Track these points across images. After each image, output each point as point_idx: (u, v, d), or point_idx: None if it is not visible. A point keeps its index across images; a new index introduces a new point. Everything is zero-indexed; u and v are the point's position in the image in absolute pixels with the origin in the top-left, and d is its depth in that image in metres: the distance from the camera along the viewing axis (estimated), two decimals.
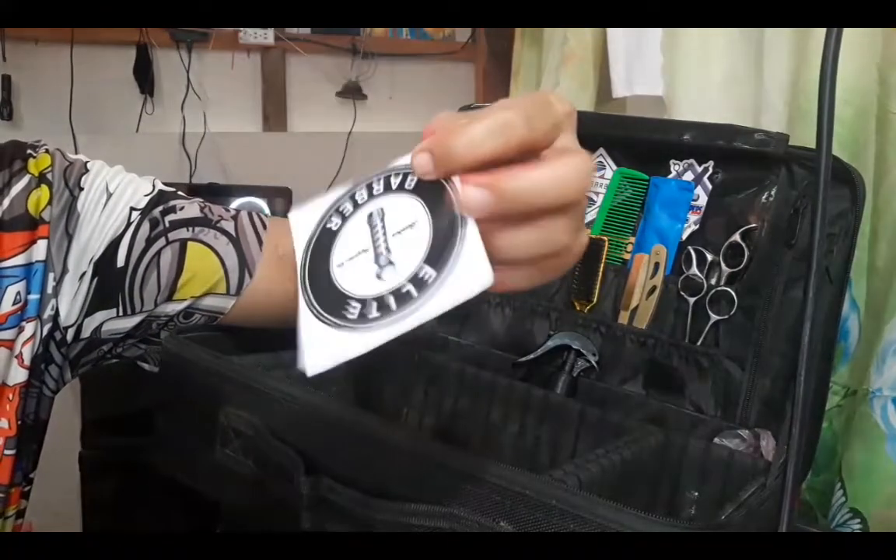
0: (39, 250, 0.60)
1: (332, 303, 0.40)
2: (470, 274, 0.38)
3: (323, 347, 0.40)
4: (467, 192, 0.36)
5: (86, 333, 0.64)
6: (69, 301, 0.62)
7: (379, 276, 0.39)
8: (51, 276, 0.61)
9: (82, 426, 1.89)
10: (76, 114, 2.15)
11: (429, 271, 0.38)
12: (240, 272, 0.65)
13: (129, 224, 0.63)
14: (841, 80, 0.87)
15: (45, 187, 0.61)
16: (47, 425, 0.66)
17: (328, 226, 0.42)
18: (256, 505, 0.56)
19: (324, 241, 0.42)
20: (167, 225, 0.64)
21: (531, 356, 0.79)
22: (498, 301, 0.87)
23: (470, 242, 0.38)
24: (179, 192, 0.68)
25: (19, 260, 0.59)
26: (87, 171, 0.64)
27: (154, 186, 0.66)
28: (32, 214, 0.60)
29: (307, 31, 2.38)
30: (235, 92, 2.37)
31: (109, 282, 0.63)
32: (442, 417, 0.78)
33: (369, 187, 0.42)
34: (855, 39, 0.83)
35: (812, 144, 0.73)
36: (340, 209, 0.42)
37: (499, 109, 0.36)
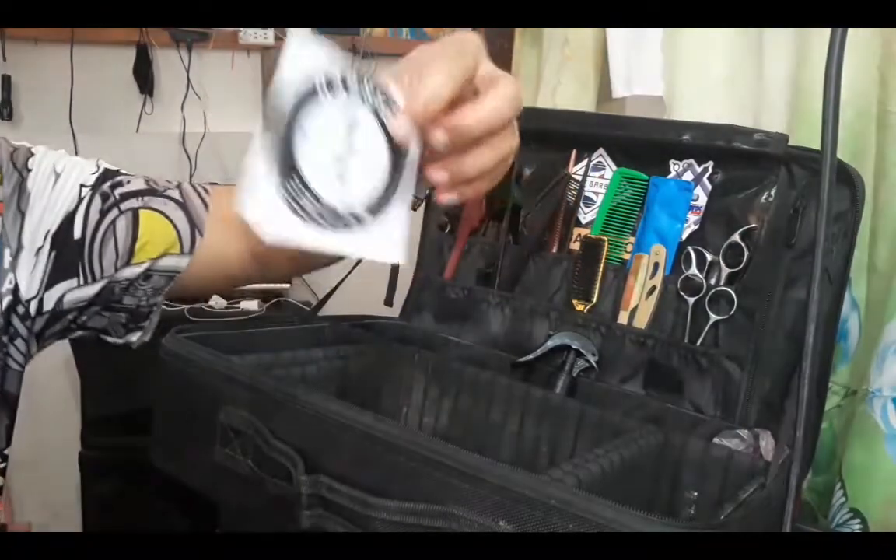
0: None
1: (294, 185, 0.44)
2: (386, 245, 0.45)
3: (271, 214, 0.43)
4: (436, 135, 0.44)
5: (48, 305, 0.67)
6: (28, 275, 0.65)
7: (334, 186, 0.44)
8: (7, 251, 0.64)
9: (82, 426, 1.89)
10: (76, 114, 2.15)
11: (365, 216, 0.44)
12: (191, 232, 0.70)
13: (80, 199, 0.67)
14: (842, 81, 0.87)
15: None
16: (18, 401, 0.68)
17: (316, 93, 0.45)
18: (256, 504, 0.56)
19: (307, 106, 0.45)
20: (118, 197, 0.68)
21: (531, 357, 0.79)
22: (497, 301, 0.87)
23: (399, 221, 0.45)
24: (122, 170, 0.73)
25: None
26: (32, 154, 0.67)
27: (98, 166, 0.70)
28: None
29: (307, 31, 2.38)
30: (235, 92, 2.37)
31: (68, 254, 0.66)
32: (442, 417, 0.78)
33: (362, 83, 0.46)
34: (855, 40, 0.83)
35: (812, 144, 0.74)
36: (332, 82, 0.45)
37: (442, 59, 0.44)
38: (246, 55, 2.38)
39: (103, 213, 0.67)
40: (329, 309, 0.86)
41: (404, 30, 2.54)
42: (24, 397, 0.69)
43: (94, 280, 0.67)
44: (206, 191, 0.73)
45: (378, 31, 2.47)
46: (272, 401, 0.55)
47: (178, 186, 0.72)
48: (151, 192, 0.70)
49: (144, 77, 2.24)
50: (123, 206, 0.68)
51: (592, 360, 0.78)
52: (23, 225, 0.64)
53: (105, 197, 0.68)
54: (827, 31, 0.48)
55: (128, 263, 0.68)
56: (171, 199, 0.70)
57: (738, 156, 0.75)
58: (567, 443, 0.68)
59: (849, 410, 0.86)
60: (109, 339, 0.72)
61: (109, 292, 0.68)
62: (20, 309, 0.65)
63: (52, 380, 2.00)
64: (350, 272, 0.78)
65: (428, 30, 2.57)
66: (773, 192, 0.74)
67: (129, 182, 0.70)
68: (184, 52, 2.27)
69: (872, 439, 0.78)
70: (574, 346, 0.79)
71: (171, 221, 0.69)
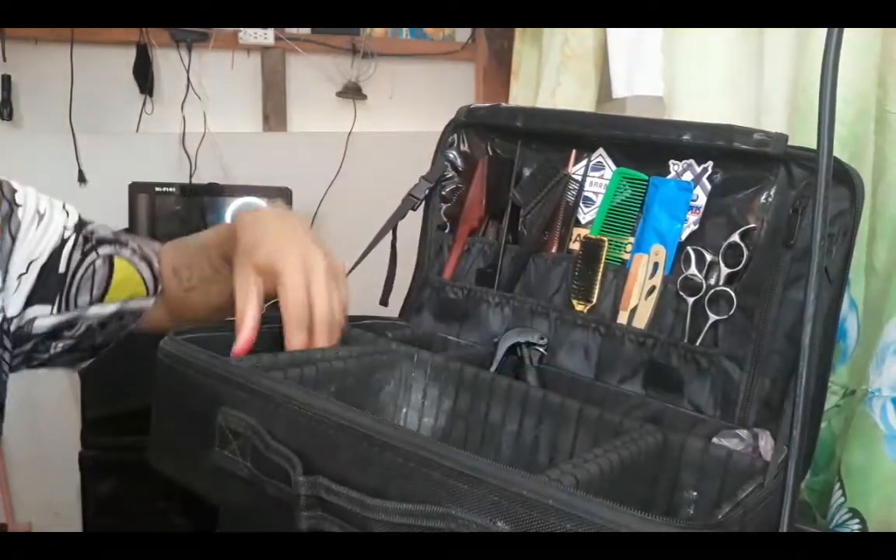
0: None
1: None
2: None
3: None
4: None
5: (20, 323, 0.74)
6: (11, 295, 0.73)
7: None
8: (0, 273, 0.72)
9: (82, 426, 1.89)
10: (76, 114, 2.15)
11: None
12: (154, 279, 0.82)
13: (64, 239, 0.76)
14: (841, 80, 0.87)
15: None
16: (4, 409, 0.74)
17: None
18: (254, 505, 0.56)
19: None
20: (95, 241, 0.78)
21: (493, 369, 0.80)
22: (497, 301, 0.87)
23: None
24: (81, 215, 0.82)
25: None
26: (16, 190, 0.74)
27: (68, 211, 0.79)
28: None
29: (307, 31, 2.38)
30: (235, 92, 2.37)
31: (50, 284, 0.75)
32: (441, 417, 0.77)
33: None
34: (855, 40, 0.83)
35: (812, 144, 0.74)
36: None
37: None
38: (246, 55, 2.38)
39: (85, 254, 0.77)
40: None
41: (404, 30, 2.54)
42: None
43: (68, 310, 0.76)
44: (147, 248, 0.83)
45: (378, 31, 2.48)
46: (270, 402, 0.55)
47: (128, 241, 0.83)
48: (118, 242, 0.81)
49: (144, 77, 2.24)
50: (101, 250, 0.78)
51: (542, 343, 0.80)
52: (12, 251, 0.72)
53: (86, 240, 0.77)
54: (826, 32, 0.48)
55: (100, 301, 0.78)
56: (133, 250, 0.81)
57: (737, 156, 0.75)
58: (566, 443, 0.68)
59: (847, 410, 0.86)
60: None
61: (78, 326, 0.77)
62: (5, 326, 0.73)
63: (52, 380, 2.00)
64: (349, 273, 0.78)
65: (428, 30, 2.58)
66: (772, 192, 0.74)
67: (98, 229, 0.80)
68: (184, 52, 2.27)
69: (871, 439, 0.78)
70: (522, 341, 0.81)
71: (138, 270, 0.80)
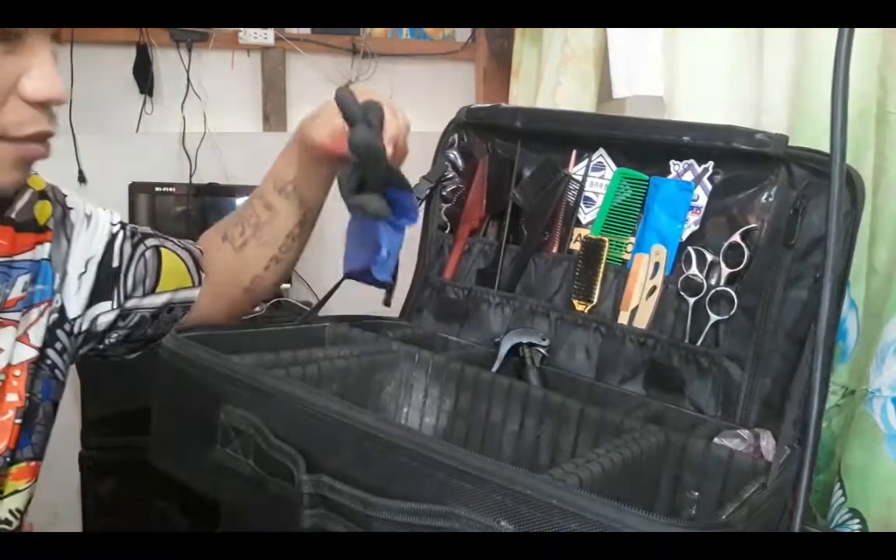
0: (44, 250, 0.72)
1: None
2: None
3: None
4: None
5: (85, 325, 0.76)
6: (73, 297, 0.74)
7: None
8: (57, 274, 0.73)
9: (82, 426, 1.88)
10: (76, 114, 2.15)
11: None
12: (196, 270, 0.83)
13: (113, 235, 0.78)
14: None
15: (46, 202, 0.73)
16: (57, 409, 0.76)
17: None
18: (257, 504, 0.56)
19: None
20: (140, 235, 0.80)
21: (495, 369, 0.80)
22: (498, 301, 0.87)
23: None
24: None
25: (27, 256, 0.70)
26: (65, 194, 0.76)
27: (112, 211, 0.81)
28: (38, 221, 0.72)
29: (307, 31, 2.38)
30: (235, 92, 2.37)
31: (107, 280, 0.76)
32: (442, 417, 0.78)
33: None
34: (855, 41, 0.83)
35: (812, 144, 0.74)
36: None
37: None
38: (246, 55, 2.38)
39: (134, 247, 0.79)
40: (329, 309, 0.86)
41: (404, 30, 2.54)
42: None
43: (127, 302, 0.78)
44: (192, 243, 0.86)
45: (378, 32, 2.47)
46: (273, 400, 0.55)
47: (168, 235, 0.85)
48: (161, 236, 0.83)
49: (144, 77, 2.23)
50: (148, 242, 0.80)
51: (543, 344, 0.80)
52: (69, 252, 0.74)
53: (132, 233, 0.80)
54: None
55: (153, 292, 0.79)
56: (174, 242, 0.83)
57: (738, 156, 0.75)
58: (567, 443, 0.68)
59: (847, 410, 0.86)
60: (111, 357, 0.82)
61: (135, 317, 0.79)
62: (67, 326, 0.74)
63: None
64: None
65: (428, 30, 2.57)
66: (773, 193, 0.74)
67: (138, 226, 0.82)
68: (184, 52, 2.27)
69: (871, 439, 0.78)
70: (524, 341, 0.81)
71: (182, 260, 0.82)
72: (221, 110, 2.33)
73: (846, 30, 0.45)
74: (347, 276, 0.73)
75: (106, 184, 2.16)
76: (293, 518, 0.51)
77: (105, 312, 0.76)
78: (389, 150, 0.68)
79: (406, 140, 0.75)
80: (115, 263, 0.77)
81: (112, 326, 0.78)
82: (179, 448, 0.64)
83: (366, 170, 0.67)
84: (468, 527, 0.44)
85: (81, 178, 2.22)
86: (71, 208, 0.75)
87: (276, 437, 0.54)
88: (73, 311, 0.74)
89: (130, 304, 0.78)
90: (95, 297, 0.75)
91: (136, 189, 2.11)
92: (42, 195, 0.73)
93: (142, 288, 0.78)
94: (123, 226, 0.80)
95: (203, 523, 0.80)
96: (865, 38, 0.83)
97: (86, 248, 0.75)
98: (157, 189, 2.13)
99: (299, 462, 0.51)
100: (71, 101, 2.15)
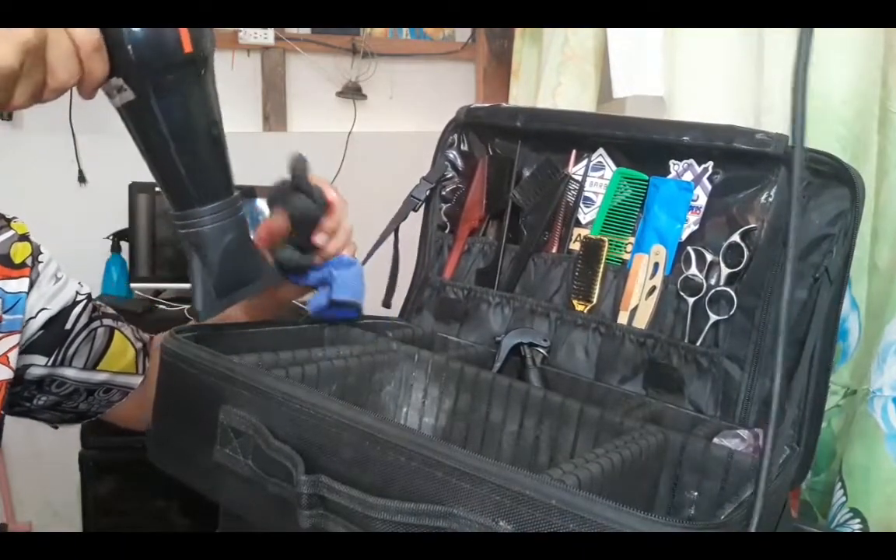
0: (23, 284, 0.75)
1: None
2: None
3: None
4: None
5: (16, 365, 0.76)
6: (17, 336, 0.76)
7: None
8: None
9: (82, 426, 1.88)
10: (76, 114, 2.15)
11: None
12: (143, 359, 0.85)
13: (76, 302, 0.80)
14: (840, 80, 0.87)
15: (28, 244, 0.77)
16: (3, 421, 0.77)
17: None
18: (256, 504, 0.56)
19: None
20: (101, 313, 0.83)
21: (496, 369, 0.80)
22: (497, 301, 0.87)
23: None
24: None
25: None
26: (42, 252, 0.79)
27: (82, 284, 0.83)
28: (12, 259, 0.75)
29: (307, 31, 2.38)
30: (235, 92, 2.37)
31: (53, 337, 0.78)
32: (441, 417, 0.77)
33: None
34: (856, 41, 0.83)
35: (812, 144, 0.74)
36: None
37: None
38: (246, 55, 2.38)
39: (91, 319, 0.81)
40: None
41: (404, 30, 2.54)
42: None
43: (61, 366, 0.78)
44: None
45: (378, 32, 2.47)
46: (272, 401, 0.55)
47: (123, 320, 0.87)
48: (118, 318, 0.85)
49: None
50: (105, 321, 0.82)
51: (544, 344, 0.81)
52: (28, 294, 0.75)
53: (94, 308, 0.82)
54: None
55: (94, 368, 0.81)
56: (132, 330, 0.85)
57: (738, 156, 0.75)
58: (567, 443, 0.68)
59: (849, 410, 0.86)
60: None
61: (69, 397, 0.80)
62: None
63: None
64: None
65: (428, 30, 2.58)
66: (773, 193, 0.74)
67: (104, 306, 0.85)
68: None
69: (873, 439, 0.78)
70: (525, 341, 0.81)
71: (133, 346, 0.84)
72: (221, 110, 2.33)
73: (807, 30, 0.45)
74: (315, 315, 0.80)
75: (106, 184, 2.16)
76: (291, 519, 0.51)
77: (37, 365, 0.77)
78: (323, 240, 0.75)
79: (348, 238, 0.78)
80: (68, 326, 0.79)
81: (41, 385, 0.78)
82: (179, 448, 0.64)
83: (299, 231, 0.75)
84: (467, 527, 0.44)
85: (81, 178, 2.22)
86: (41, 261, 0.77)
87: (276, 438, 0.54)
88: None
89: (66, 372, 0.79)
90: (34, 347, 0.77)
91: (136, 189, 2.11)
92: (24, 238, 0.76)
93: (83, 360, 0.80)
94: (90, 299, 0.82)
95: (202, 523, 0.80)
96: (866, 37, 0.83)
97: (44, 299, 0.77)
98: (157, 189, 2.13)
99: (298, 462, 0.51)
100: (71, 101, 2.15)
